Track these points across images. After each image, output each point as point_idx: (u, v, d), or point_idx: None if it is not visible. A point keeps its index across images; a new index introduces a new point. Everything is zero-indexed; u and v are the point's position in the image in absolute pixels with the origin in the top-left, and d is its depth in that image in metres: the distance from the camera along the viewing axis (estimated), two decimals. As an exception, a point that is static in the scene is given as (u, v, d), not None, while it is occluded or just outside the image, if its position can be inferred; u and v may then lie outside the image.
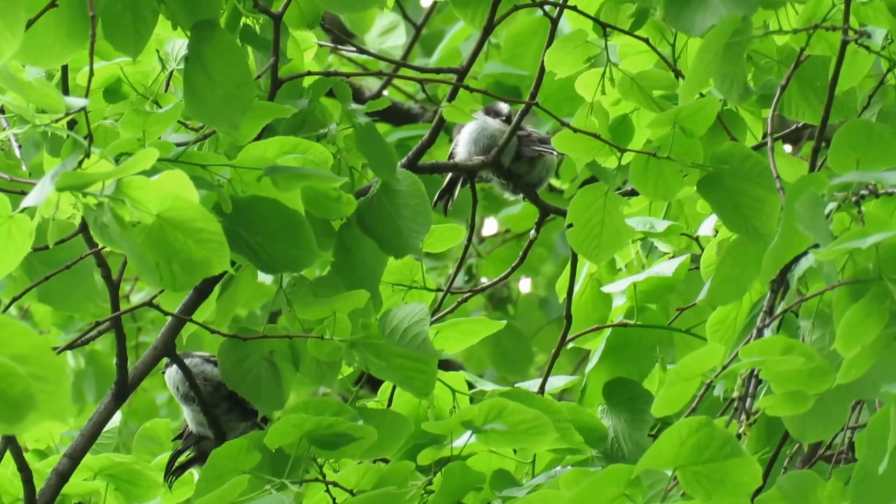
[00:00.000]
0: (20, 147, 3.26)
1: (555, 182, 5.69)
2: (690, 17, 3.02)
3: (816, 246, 2.81)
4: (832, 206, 2.88)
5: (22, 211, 2.64)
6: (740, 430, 2.87)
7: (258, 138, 3.06)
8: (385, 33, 5.94)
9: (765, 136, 3.31)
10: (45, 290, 3.21)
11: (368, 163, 3.14)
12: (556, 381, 3.48)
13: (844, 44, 3.13)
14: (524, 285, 6.17)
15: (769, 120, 3.18)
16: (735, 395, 2.88)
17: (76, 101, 2.70)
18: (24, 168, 3.24)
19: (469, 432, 2.96)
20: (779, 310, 2.97)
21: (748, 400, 2.87)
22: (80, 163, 2.66)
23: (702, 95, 3.27)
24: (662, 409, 2.93)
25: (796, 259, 2.95)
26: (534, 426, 2.96)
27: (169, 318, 3.18)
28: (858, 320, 2.78)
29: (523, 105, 3.40)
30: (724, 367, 2.82)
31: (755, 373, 2.90)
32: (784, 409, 2.86)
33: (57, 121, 2.73)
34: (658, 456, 2.68)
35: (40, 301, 3.23)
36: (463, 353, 5.75)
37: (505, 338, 5.72)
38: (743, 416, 2.84)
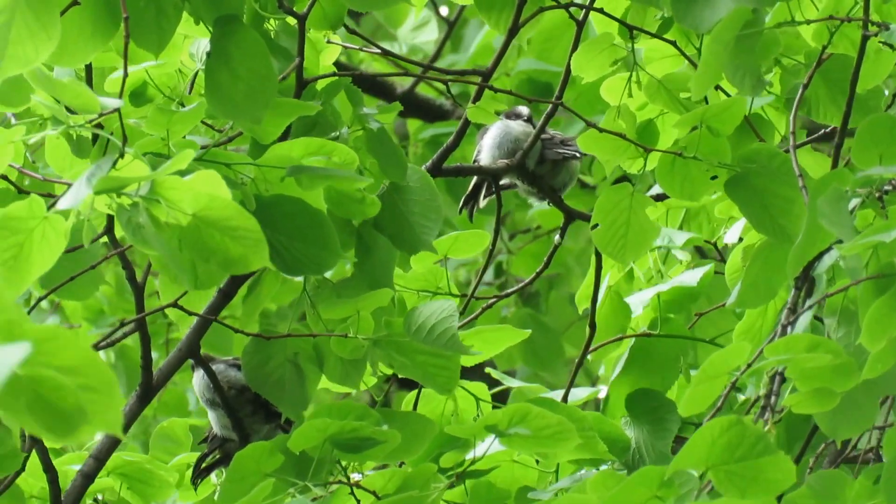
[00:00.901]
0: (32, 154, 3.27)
1: (587, 178, 5.66)
2: (699, 13, 2.99)
3: (840, 242, 2.79)
4: (856, 201, 2.86)
5: (57, 212, 2.64)
6: (766, 429, 2.86)
7: (281, 139, 3.06)
8: (417, 28, 5.93)
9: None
10: (47, 278, 3.19)
11: (379, 164, 3.12)
12: (579, 393, 3.46)
13: (865, 38, 3.09)
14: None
15: (791, 118, 3.15)
16: (761, 392, 2.87)
17: (111, 102, 2.69)
18: (29, 159, 3.24)
19: (492, 438, 2.95)
20: (803, 307, 2.94)
21: (773, 398, 2.86)
22: (115, 163, 2.67)
23: (727, 95, 3.26)
24: (689, 408, 2.91)
25: (820, 256, 2.93)
26: (557, 431, 2.93)
27: (194, 320, 3.19)
28: (883, 314, 2.75)
29: (549, 106, 3.39)
30: (749, 365, 2.80)
31: (780, 371, 2.87)
32: (810, 406, 2.84)
33: (91, 121, 2.73)
34: (690, 456, 2.68)
35: (44, 287, 3.21)
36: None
37: (535, 333, 5.70)
38: (768, 414, 2.82)
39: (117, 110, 2.70)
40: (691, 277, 3.36)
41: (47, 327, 2.18)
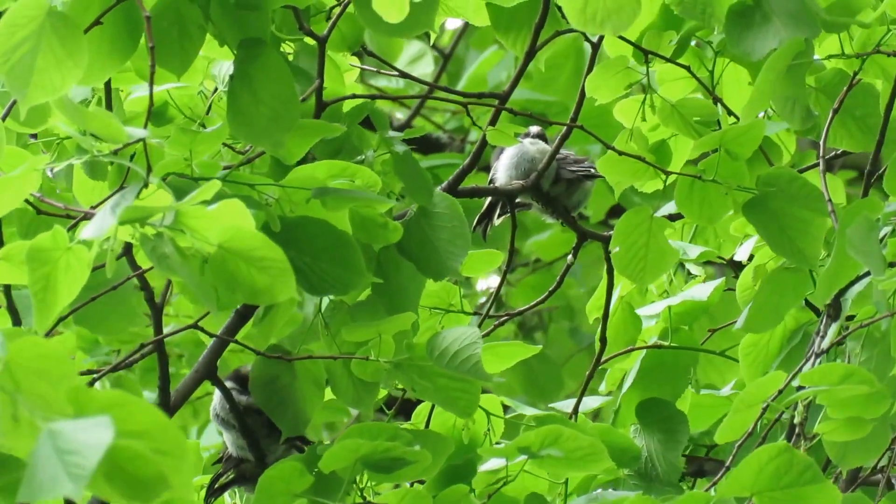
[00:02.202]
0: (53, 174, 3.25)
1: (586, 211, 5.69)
2: (752, 40, 3.00)
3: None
4: (886, 229, 2.88)
5: (80, 241, 2.62)
6: (799, 456, 2.87)
7: (303, 161, 3.07)
8: (413, 62, 5.95)
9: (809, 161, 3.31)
10: (82, 313, 3.17)
11: (405, 188, 3.11)
12: (590, 402, 3.46)
13: (902, 71, 3.14)
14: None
15: (822, 142, 3.17)
16: (797, 420, 2.89)
17: (136, 132, 2.66)
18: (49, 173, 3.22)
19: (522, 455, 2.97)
20: (830, 333, 2.96)
21: (803, 424, 2.89)
22: (139, 192, 2.65)
23: (737, 118, 3.28)
24: (726, 435, 2.95)
25: (851, 283, 2.95)
26: (589, 453, 2.95)
27: (211, 341, 3.16)
28: (914, 347, 2.76)
29: (564, 128, 3.41)
30: (780, 392, 2.83)
31: (811, 398, 2.90)
32: (842, 434, 2.87)
33: (116, 151, 2.72)
34: (737, 483, 2.70)
35: (77, 324, 3.20)
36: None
37: (536, 364, 5.70)
38: (802, 441, 2.85)
39: (143, 140, 2.68)
40: (702, 291, 3.37)
41: (113, 394, 2.14)
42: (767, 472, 2.68)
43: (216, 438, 4.40)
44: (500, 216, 3.62)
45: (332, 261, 2.89)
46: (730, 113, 3.34)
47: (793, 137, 3.41)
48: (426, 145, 5.99)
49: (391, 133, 3.13)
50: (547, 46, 3.36)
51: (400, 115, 6.11)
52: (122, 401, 2.13)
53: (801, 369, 2.89)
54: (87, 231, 2.57)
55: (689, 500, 2.71)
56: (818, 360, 2.96)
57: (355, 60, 3.36)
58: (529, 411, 3.35)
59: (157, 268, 2.61)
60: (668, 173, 3.19)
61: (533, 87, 5.91)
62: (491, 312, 3.59)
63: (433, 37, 3.41)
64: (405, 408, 3.47)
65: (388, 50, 5.94)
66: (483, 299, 5.82)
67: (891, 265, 2.81)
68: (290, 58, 3.20)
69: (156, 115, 3.19)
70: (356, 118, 3.16)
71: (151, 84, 2.77)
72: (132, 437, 2.12)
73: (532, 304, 3.71)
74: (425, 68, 5.97)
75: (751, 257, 3.33)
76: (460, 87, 5.99)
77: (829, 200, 3.02)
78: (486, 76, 5.97)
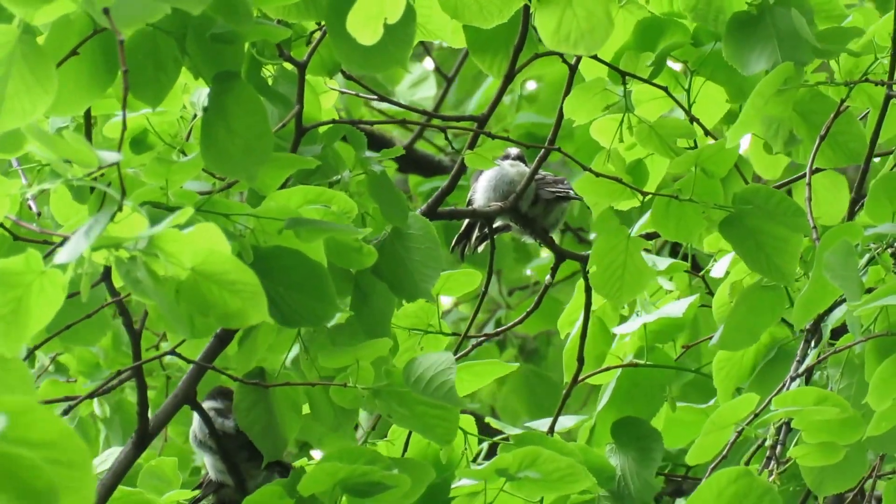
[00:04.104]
0: (35, 201, 3.26)
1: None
2: (747, 55, 3.01)
3: (852, 295, 2.79)
4: (867, 257, 2.86)
5: (55, 266, 2.63)
6: (771, 479, 2.86)
7: (282, 186, 3.06)
8: (415, 85, 5.94)
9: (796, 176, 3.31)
10: (54, 325, 3.17)
11: (380, 209, 3.09)
12: (566, 422, 3.44)
13: (888, 98, 3.10)
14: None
15: (809, 166, 3.16)
16: (768, 443, 2.88)
17: (109, 156, 2.62)
18: (34, 209, 3.23)
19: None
20: (809, 359, 2.95)
21: (779, 448, 2.86)
22: (113, 216, 2.65)
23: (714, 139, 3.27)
24: (698, 456, 2.92)
25: (831, 307, 2.91)
26: (567, 474, 2.92)
27: (190, 367, 3.17)
28: (891, 374, 2.74)
29: (542, 150, 3.40)
30: (756, 415, 2.80)
31: (786, 421, 2.86)
32: (815, 458, 2.83)
33: (90, 174, 2.72)
34: (697, 504, 2.63)
35: (48, 331, 3.19)
36: (500, 403, 5.73)
37: (538, 387, 5.69)
38: (774, 465, 2.82)
39: (116, 164, 2.69)
40: (677, 309, 3.33)
41: (20, 400, 2.14)
42: (727, 496, 2.65)
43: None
44: (478, 238, 3.62)
45: (304, 292, 2.87)
46: (706, 132, 3.33)
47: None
48: (429, 169, 5.98)
49: (367, 154, 3.13)
50: (529, 69, 3.36)
51: (403, 139, 6.10)
52: (27, 408, 2.13)
53: (777, 393, 2.87)
54: (61, 255, 2.56)
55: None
56: (794, 384, 2.94)
57: (335, 84, 3.36)
58: (513, 431, 3.34)
59: (131, 292, 2.61)
60: (644, 194, 3.18)
61: (538, 111, 5.91)
62: (475, 333, 3.58)
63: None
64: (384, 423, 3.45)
65: (390, 74, 5.94)
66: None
67: (869, 291, 2.79)
68: (270, 82, 3.20)
69: (135, 142, 3.19)
70: (332, 139, 3.16)
71: (124, 108, 2.75)
72: (31, 446, 2.13)
73: (509, 324, 3.71)
74: (428, 91, 5.96)
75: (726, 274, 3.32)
76: (468, 111, 5.98)
77: (814, 228, 3.01)
78: (488, 100, 5.96)
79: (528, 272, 6.05)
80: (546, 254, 5.88)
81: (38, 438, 2.16)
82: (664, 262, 3.26)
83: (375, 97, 3.52)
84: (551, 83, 5.70)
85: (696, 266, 3.53)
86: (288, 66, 3.19)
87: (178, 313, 2.62)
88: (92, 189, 2.97)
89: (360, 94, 3.59)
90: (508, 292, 6.07)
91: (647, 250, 3.22)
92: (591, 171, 3.22)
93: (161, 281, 2.59)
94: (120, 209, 2.62)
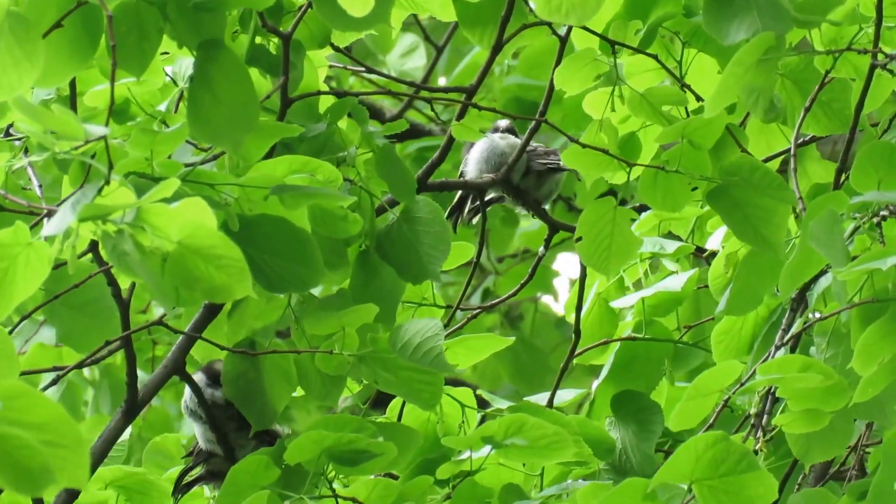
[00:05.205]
0: (34, 171, 3.24)
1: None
2: (727, 25, 2.96)
3: (837, 264, 2.77)
4: (853, 225, 2.84)
5: (41, 238, 2.61)
6: (756, 447, 2.85)
7: (267, 157, 3.04)
8: (406, 55, 5.90)
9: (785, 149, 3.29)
10: (66, 331, 3.17)
11: (388, 187, 3.06)
12: (566, 395, 3.41)
13: (873, 67, 3.06)
14: (550, 301, 6.10)
15: (794, 138, 3.14)
16: (752, 411, 2.86)
17: (96, 130, 2.61)
18: (35, 185, 3.21)
19: (487, 446, 2.94)
20: (795, 327, 2.93)
21: (764, 416, 2.84)
22: (100, 190, 2.62)
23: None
24: (680, 423, 2.92)
25: (817, 276, 2.89)
26: (553, 441, 2.91)
27: (180, 337, 3.13)
28: (876, 340, 2.72)
29: (532, 122, 3.37)
30: (742, 384, 2.77)
31: (772, 390, 2.84)
32: (800, 426, 2.81)
33: (77, 148, 2.70)
34: (674, 470, 2.65)
35: (60, 341, 3.20)
36: (480, 368, 5.72)
37: (522, 353, 5.67)
38: (759, 433, 2.81)
39: (104, 137, 2.66)
40: (676, 283, 3.31)
41: (14, 384, 2.17)
42: (705, 461, 2.64)
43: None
44: (470, 210, 3.59)
45: (289, 258, 2.86)
46: (699, 99, 3.30)
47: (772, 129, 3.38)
48: (416, 136, 5.95)
49: (372, 128, 3.10)
50: (517, 40, 3.33)
51: (393, 109, 6.06)
52: (21, 392, 2.16)
53: (763, 361, 2.85)
54: (48, 228, 2.55)
55: (627, 487, 2.65)
56: (778, 353, 2.93)
57: (327, 54, 3.32)
58: (504, 405, 3.32)
59: (116, 266, 2.59)
60: (631, 165, 3.15)
61: (524, 73, 5.86)
62: (472, 304, 3.55)
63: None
64: (383, 400, 3.44)
65: (381, 43, 5.90)
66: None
67: (853, 259, 2.77)
68: (273, 50, 3.16)
69: (117, 112, 3.16)
70: (337, 116, 3.13)
71: (112, 82, 2.74)
72: (26, 428, 2.15)
73: (504, 296, 3.68)
74: (418, 61, 5.93)
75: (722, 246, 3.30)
76: (450, 80, 5.95)
77: (801, 198, 2.99)
78: (479, 65, 5.91)
79: (518, 237, 6.02)
80: (536, 222, 5.86)
81: (32, 420, 2.19)
82: (672, 245, 3.24)
83: (363, 69, 3.48)
84: (529, 55, 5.64)
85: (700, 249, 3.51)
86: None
87: (164, 287, 2.61)
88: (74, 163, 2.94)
89: (353, 69, 3.55)
90: (498, 260, 6.04)
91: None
92: (577, 142, 3.19)
93: (147, 254, 2.57)
94: (107, 183, 2.59)
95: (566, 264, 6.05)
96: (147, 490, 3.31)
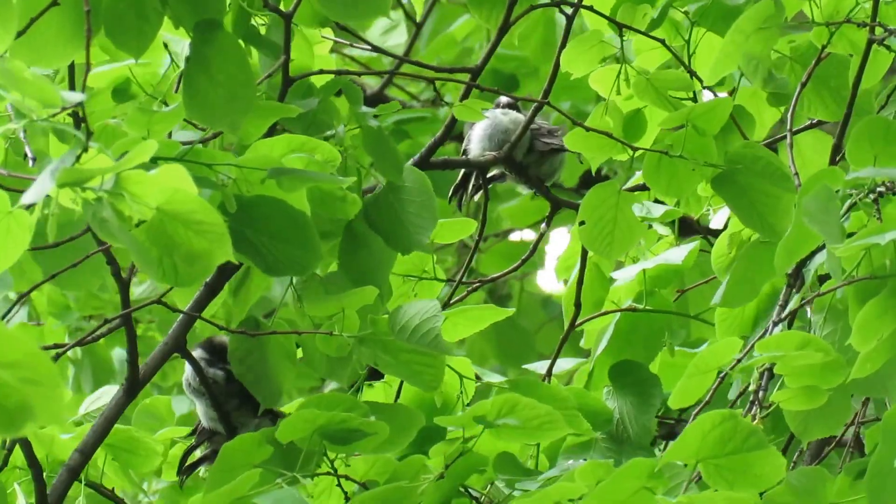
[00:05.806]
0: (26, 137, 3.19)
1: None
2: None
3: (833, 240, 2.76)
4: (849, 202, 2.83)
5: (21, 207, 2.58)
6: (754, 423, 2.83)
7: (266, 136, 3.00)
8: (386, 32, 5.85)
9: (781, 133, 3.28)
10: (49, 270, 3.10)
11: (375, 163, 3.03)
12: (565, 364, 3.38)
13: (870, 42, 3.05)
14: (540, 279, 6.08)
15: (789, 116, 3.13)
16: (751, 388, 2.85)
17: (73, 96, 2.57)
18: (29, 155, 3.16)
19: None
20: (792, 304, 2.92)
21: (762, 393, 2.83)
22: (79, 157, 2.56)
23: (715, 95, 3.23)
24: (679, 400, 2.90)
25: (814, 253, 2.88)
26: (546, 421, 2.88)
27: (179, 315, 3.09)
28: (874, 316, 2.70)
29: (535, 103, 3.34)
30: (739, 361, 2.75)
31: (769, 366, 2.82)
32: (798, 402, 2.79)
33: (55, 115, 2.66)
34: (681, 449, 2.62)
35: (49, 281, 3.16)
36: (467, 347, 5.69)
37: (507, 332, 5.66)
38: (756, 409, 2.80)
39: (80, 104, 2.62)
40: (677, 255, 3.29)
41: None
42: (712, 439, 2.61)
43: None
44: (474, 187, 3.57)
45: (287, 241, 2.82)
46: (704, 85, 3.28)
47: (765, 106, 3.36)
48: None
49: (364, 109, 3.07)
50: (520, 21, 3.30)
51: (371, 82, 6.02)
52: None
53: (760, 338, 2.83)
54: (27, 196, 2.50)
55: (633, 467, 2.62)
56: (776, 329, 2.92)
57: (327, 33, 3.29)
58: (496, 379, 3.31)
59: (97, 233, 2.56)
60: (635, 149, 3.13)
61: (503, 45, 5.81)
62: (463, 280, 3.54)
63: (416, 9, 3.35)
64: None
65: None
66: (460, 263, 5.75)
67: (850, 236, 2.76)
68: (263, 31, 3.13)
69: (118, 91, 3.11)
70: (329, 93, 3.09)
71: (88, 49, 2.69)
72: (4, 367, 2.14)
73: (506, 271, 3.66)
74: (398, 38, 5.87)
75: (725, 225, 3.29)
76: (423, 52, 5.90)
77: (796, 174, 2.97)
78: (454, 37, 5.88)
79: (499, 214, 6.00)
80: (516, 198, 5.84)
81: (7, 359, 2.15)
82: (659, 209, 3.22)
83: (367, 48, 3.45)
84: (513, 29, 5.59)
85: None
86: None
87: (148, 255, 2.57)
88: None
89: (350, 44, 3.52)
90: (483, 238, 6.01)
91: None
92: (580, 125, 3.16)
93: (128, 222, 2.54)
94: (85, 150, 2.55)
95: (555, 241, 6.02)
96: (134, 448, 3.29)
